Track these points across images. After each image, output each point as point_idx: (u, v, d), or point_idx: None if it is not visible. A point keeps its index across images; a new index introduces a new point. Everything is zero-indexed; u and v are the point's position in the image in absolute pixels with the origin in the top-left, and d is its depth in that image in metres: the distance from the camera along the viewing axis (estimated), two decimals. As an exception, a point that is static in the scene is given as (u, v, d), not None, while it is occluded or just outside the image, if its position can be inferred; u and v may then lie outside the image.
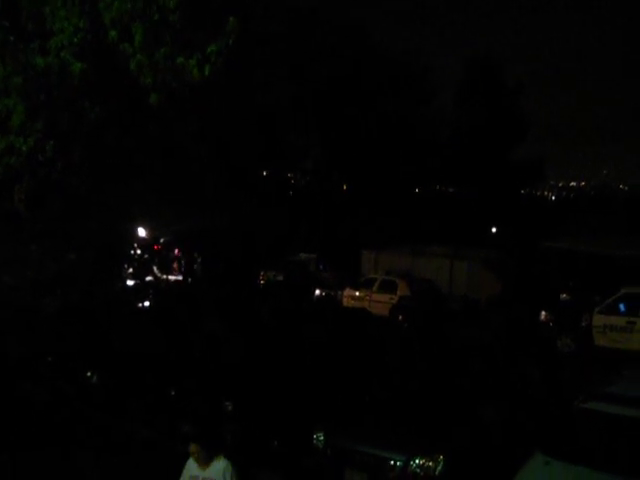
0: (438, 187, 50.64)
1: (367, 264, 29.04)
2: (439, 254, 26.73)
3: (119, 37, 10.36)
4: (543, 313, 19.85)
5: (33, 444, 9.88)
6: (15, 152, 10.76)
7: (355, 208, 39.26)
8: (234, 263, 30.12)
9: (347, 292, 24.87)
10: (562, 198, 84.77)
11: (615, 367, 10.69)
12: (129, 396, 11.62)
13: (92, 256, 18.10)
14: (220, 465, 5.86)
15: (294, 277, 27.69)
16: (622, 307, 17.49)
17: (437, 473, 8.01)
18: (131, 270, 28.09)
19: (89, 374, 12.65)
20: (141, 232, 29.86)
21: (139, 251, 30.97)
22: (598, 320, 17.67)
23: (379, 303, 23.32)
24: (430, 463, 8.05)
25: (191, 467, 6.00)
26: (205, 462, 5.89)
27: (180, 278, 28.98)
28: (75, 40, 10.31)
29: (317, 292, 26.22)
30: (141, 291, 23.20)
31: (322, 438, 8.85)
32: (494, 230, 43.29)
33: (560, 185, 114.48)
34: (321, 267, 29.98)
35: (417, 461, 8.07)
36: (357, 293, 24.40)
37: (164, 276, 28.58)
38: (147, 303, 21.08)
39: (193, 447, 5.87)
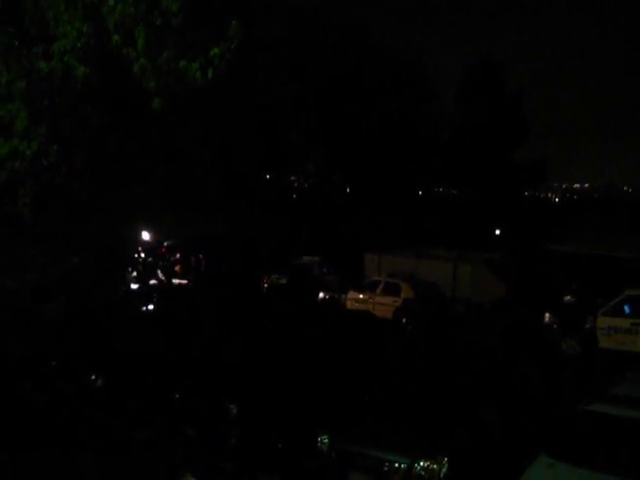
0: (441, 189, 50.57)
1: (370, 267, 28.96)
2: (443, 257, 26.68)
3: (122, 41, 10.42)
4: (547, 315, 19.80)
5: (33, 444, 9.86)
6: (19, 156, 10.81)
7: (357, 210, 39.20)
8: (237, 267, 30.08)
9: (351, 295, 24.80)
10: (565, 200, 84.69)
11: (619, 369, 10.67)
12: (129, 396, 11.60)
13: (92, 259, 18.04)
14: None
15: (298, 280, 27.64)
16: (627, 309, 17.46)
17: (442, 475, 8.02)
18: (135, 274, 28.02)
19: (93, 377, 12.64)
20: (145, 236, 29.80)
21: (143, 255, 30.89)
22: (602, 322, 17.62)
23: (383, 306, 23.23)
24: (434, 466, 8.05)
25: None
26: None
27: (184, 282, 28.92)
28: (78, 44, 10.36)
29: (321, 295, 26.19)
30: (145, 294, 23.16)
31: (327, 441, 8.86)
32: (498, 232, 43.23)
33: (564, 187, 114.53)
34: (325, 270, 29.89)
35: (421, 464, 8.08)
36: (361, 296, 24.35)
37: (169, 279, 28.54)
38: (151, 307, 21.05)
39: None
